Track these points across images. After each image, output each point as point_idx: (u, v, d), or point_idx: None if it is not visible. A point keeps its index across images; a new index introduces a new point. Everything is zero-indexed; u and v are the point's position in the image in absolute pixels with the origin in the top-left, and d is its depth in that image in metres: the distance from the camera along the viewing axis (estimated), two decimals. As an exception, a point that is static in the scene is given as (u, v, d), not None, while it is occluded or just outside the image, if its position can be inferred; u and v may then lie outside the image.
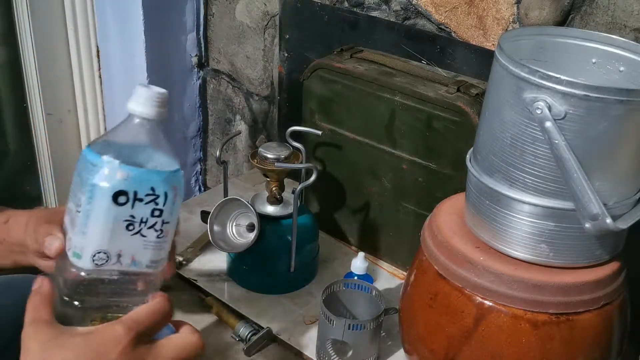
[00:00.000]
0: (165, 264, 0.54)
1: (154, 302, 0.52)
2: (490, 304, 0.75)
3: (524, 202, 0.72)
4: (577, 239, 0.73)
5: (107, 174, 0.49)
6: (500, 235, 0.76)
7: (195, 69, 1.59)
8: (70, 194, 0.52)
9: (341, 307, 0.97)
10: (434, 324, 0.80)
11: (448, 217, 0.84)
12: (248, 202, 1.03)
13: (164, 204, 0.51)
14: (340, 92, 1.12)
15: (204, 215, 1.09)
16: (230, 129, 1.61)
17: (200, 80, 1.61)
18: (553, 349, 0.74)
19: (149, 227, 0.51)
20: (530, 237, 0.74)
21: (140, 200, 0.50)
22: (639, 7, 0.91)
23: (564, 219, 0.71)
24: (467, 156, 0.81)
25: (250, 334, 0.98)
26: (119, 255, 0.51)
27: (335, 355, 0.90)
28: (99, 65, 1.60)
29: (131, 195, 0.49)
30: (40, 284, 0.52)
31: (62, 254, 0.53)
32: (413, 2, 1.14)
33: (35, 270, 0.63)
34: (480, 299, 0.76)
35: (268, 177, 1.06)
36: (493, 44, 1.06)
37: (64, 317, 0.51)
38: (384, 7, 1.18)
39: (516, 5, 1.02)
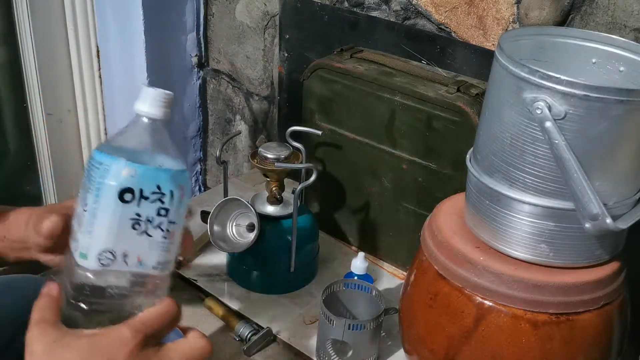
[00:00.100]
0: (172, 268, 0.54)
1: (161, 305, 0.52)
2: (490, 304, 0.75)
3: (524, 202, 0.72)
4: (577, 239, 0.73)
5: (114, 171, 0.49)
6: (500, 235, 0.76)
7: (195, 69, 1.59)
8: (78, 197, 0.52)
9: (341, 307, 0.97)
10: (434, 324, 0.80)
11: (448, 217, 0.84)
12: (248, 202, 1.03)
13: (170, 203, 0.51)
14: (340, 92, 1.12)
15: (204, 215, 1.08)
16: (230, 129, 1.61)
17: (200, 80, 1.61)
18: (553, 349, 0.74)
19: (155, 227, 0.51)
20: (530, 237, 0.74)
21: (146, 198, 0.50)
22: (639, 7, 0.91)
23: (564, 219, 0.71)
24: (467, 156, 0.81)
25: (250, 334, 0.98)
26: (125, 255, 0.50)
27: (335, 355, 0.90)
28: (99, 65, 1.60)
29: (137, 193, 0.49)
30: (49, 287, 0.52)
31: (68, 256, 0.53)
32: (413, 2, 1.14)
33: (35, 270, 0.64)
34: (480, 299, 0.76)
35: (268, 177, 1.06)
36: (493, 44, 1.06)
37: (70, 320, 0.51)
38: (384, 7, 1.18)
39: (516, 5, 1.02)
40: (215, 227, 1.06)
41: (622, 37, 0.80)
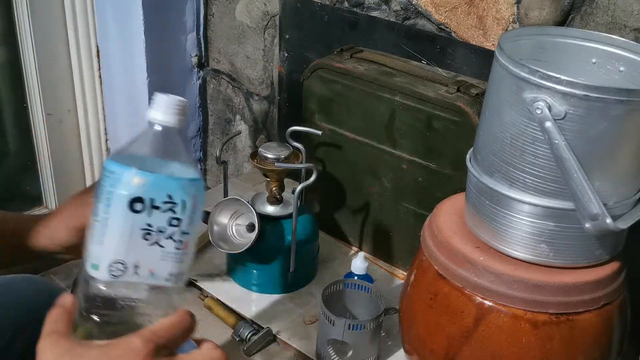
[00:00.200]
0: (187, 279, 0.53)
1: (175, 316, 0.51)
2: (490, 304, 0.75)
3: (524, 202, 0.72)
4: (577, 239, 0.73)
5: (124, 180, 0.48)
6: (500, 235, 0.76)
7: (195, 69, 1.59)
8: (93, 207, 0.51)
9: (341, 307, 0.97)
10: (434, 324, 0.80)
11: (448, 217, 0.84)
12: (248, 202, 1.03)
13: (182, 213, 0.49)
14: (340, 92, 1.12)
15: (204, 215, 1.08)
16: (230, 129, 1.61)
17: (200, 80, 1.61)
18: (553, 349, 0.74)
19: (167, 238, 0.49)
20: (530, 237, 0.74)
21: (157, 208, 0.48)
22: (639, 7, 0.91)
23: (564, 219, 0.71)
24: (467, 156, 0.81)
25: (250, 334, 0.98)
26: (136, 267, 0.49)
27: (335, 355, 0.90)
28: (99, 65, 1.60)
29: (148, 203, 0.48)
30: (63, 299, 0.52)
31: (83, 267, 0.52)
32: (413, 2, 1.14)
33: (35, 271, 0.63)
34: (480, 299, 0.76)
35: (268, 177, 1.06)
36: (493, 44, 1.06)
37: (83, 332, 0.50)
38: (384, 7, 1.18)
39: (516, 5, 1.02)
40: (215, 227, 1.06)
41: (622, 37, 0.80)
